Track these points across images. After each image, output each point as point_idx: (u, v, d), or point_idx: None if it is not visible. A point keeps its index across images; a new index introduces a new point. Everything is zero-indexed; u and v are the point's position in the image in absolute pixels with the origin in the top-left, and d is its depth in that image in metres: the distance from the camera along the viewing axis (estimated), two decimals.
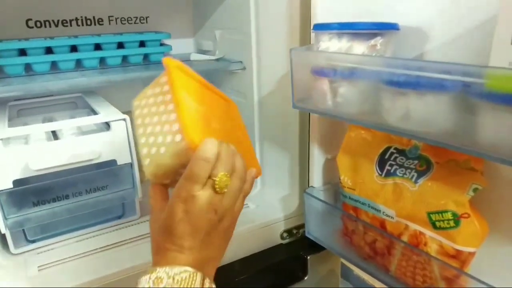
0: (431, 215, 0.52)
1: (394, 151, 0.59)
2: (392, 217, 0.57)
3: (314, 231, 0.73)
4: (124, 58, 0.86)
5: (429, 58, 0.54)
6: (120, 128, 0.71)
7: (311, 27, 0.61)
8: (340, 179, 0.65)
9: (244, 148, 0.50)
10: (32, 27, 0.88)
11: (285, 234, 0.81)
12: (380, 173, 0.59)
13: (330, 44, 0.55)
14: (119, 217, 0.77)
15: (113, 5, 0.96)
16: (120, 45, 0.84)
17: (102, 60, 0.83)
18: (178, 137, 0.41)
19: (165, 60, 0.44)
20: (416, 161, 0.55)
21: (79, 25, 0.93)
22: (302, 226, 0.80)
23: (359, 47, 0.53)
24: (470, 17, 0.49)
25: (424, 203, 0.52)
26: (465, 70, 0.41)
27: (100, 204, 0.72)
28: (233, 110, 0.56)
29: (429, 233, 0.52)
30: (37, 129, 0.69)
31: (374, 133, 0.61)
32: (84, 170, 0.69)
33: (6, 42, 0.75)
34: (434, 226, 0.52)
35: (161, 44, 0.90)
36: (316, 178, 0.73)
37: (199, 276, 0.39)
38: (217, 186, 0.40)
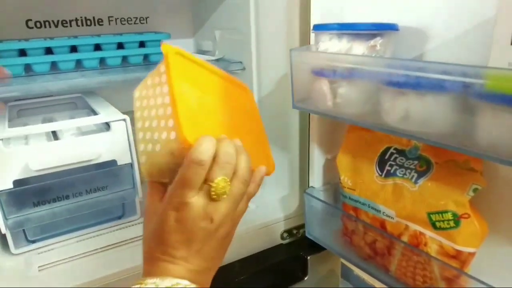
0: (431, 215, 0.52)
1: (394, 151, 0.59)
2: (392, 218, 0.57)
3: (314, 231, 0.73)
4: (124, 58, 0.86)
5: (428, 58, 0.54)
6: (120, 129, 0.71)
7: (311, 28, 0.61)
8: (340, 180, 0.65)
9: (257, 141, 0.46)
10: (32, 28, 0.88)
11: (285, 234, 0.81)
12: (380, 173, 0.59)
13: (330, 45, 0.55)
14: (119, 218, 0.77)
15: (113, 6, 0.96)
16: (120, 46, 0.84)
17: (102, 60, 0.83)
18: (173, 135, 0.37)
19: (164, 46, 0.39)
20: (416, 162, 0.55)
21: (79, 26, 0.93)
22: (302, 226, 0.80)
23: (359, 48, 0.53)
24: (470, 18, 0.49)
25: (424, 203, 0.52)
26: (464, 71, 0.41)
27: (100, 205, 0.72)
28: (248, 99, 0.50)
29: (429, 233, 0.52)
30: (37, 130, 0.69)
31: (374, 133, 0.61)
32: (84, 171, 0.69)
33: (6, 42, 0.75)
34: (434, 226, 0.52)
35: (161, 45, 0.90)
36: (316, 178, 0.73)
37: None
38: (213, 193, 0.36)
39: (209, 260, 0.39)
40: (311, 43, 0.64)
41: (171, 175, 0.40)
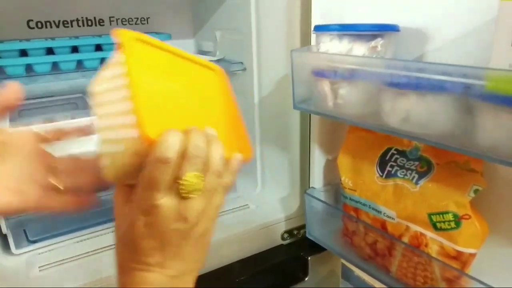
0: (432, 216, 0.52)
1: (395, 152, 0.59)
2: (393, 218, 0.57)
3: (314, 232, 0.73)
4: None
5: (429, 59, 0.54)
6: None
7: (312, 29, 0.61)
8: (340, 180, 0.65)
9: (232, 126, 0.42)
10: (33, 28, 0.88)
11: (285, 235, 0.81)
12: (380, 174, 0.59)
13: (331, 46, 0.56)
14: None
15: (114, 6, 0.96)
16: None
17: (103, 60, 0.83)
18: (136, 132, 0.33)
19: (119, 32, 0.34)
20: (416, 162, 0.55)
21: (80, 26, 0.93)
22: (302, 226, 0.80)
23: (360, 49, 0.53)
24: (471, 19, 0.49)
25: (425, 204, 0.52)
26: (465, 72, 0.41)
27: (102, 204, 0.72)
28: (219, 81, 0.45)
29: (430, 234, 0.52)
30: (38, 130, 0.69)
31: (375, 134, 0.61)
32: None
33: (7, 42, 0.75)
34: (435, 227, 0.52)
35: None
36: (317, 179, 0.73)
37: None
38: (184, 191, 0.33)
39: (189, 262, 0.36)
40: (312, 44, 0.64)
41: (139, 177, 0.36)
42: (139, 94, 0.33)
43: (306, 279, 0.79)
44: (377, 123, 0.52)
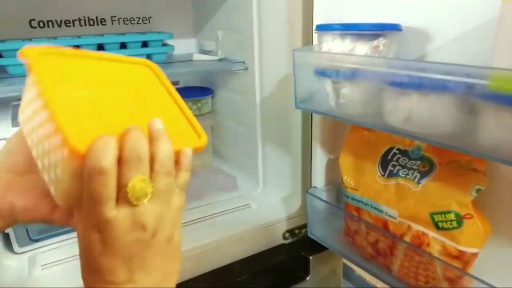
0: (434, 215, 0.52)
1: (397, 151, 0.59)
2: (394, 218, 0.57)
3: (316, 231, 0.73)
4: None
5: (432, 58, 0.54)
6: None
7: (314, 28, 0.61)
8: (342, 180, 0.65)
9: (174, 117, 0.39)
10: (35, 27, 0.89)
11: (287, 234, 0.81)
12: (382, 173, 0.59)
13: (333, 45, 0.56)
14: None
15: (116, 6, 0.96)
16: (123, 45, 0.84)
17: None
18: (65, 151, 0.29)
19: (22, 51, 0.32)
20: (418, 162, 0.55)
21: (81, 25, 0.93)
22: (304, 226, 0.81)
23: (362, 48, 0.53)
24: (473, 18, 0.49)
25: (427, 203, 0.52)
26: (468, 71, 0.41)
27: None
28: (153, 74, 0.42)
29: (431, 233, 0.52)
30: None
31: (377, 133, 0.61)
32: None
33: (9, 42, 0.75)
34: (437, 226, 0.52)
35: (164, 44, 0.90)
36: (319, 178, 0.73)
37: None
38: (131, 198, 0.30)
39: (160, 272, 0.33)
40: (313, 44, 0.64)
41: None
42: (57, 111, 0.30)
43: (308, 278, 0.79)
44: (379, 123, 0.52)
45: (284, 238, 0.81)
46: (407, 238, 0.56)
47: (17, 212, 0.37)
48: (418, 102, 0.46)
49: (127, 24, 0.99)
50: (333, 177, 0.74)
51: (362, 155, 0.63)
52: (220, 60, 0.94)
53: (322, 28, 0.57)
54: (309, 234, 0.74)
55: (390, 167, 0.58)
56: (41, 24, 0.89)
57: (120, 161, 0.30)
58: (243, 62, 0.88)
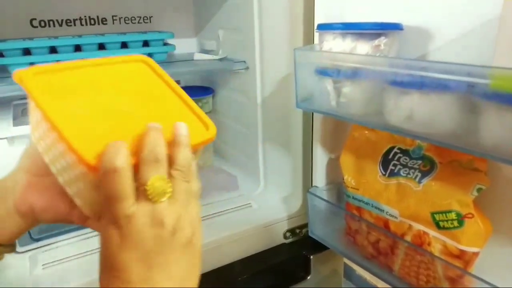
0: (435, 215, 0.52)
1: (398, 151, 0.59)
2: (395, 217, 0.57)
3: (317, 231, 0.73)
4: None
5: (433, 58, 0.54)
6: None
7: (315, 27, 0.61)
8: (343, 179, 0.65)
9: (178, 111, 0.38)
10: (36, 27, 0.89)
11: (288, 234, 0.81)
12: (383, 173, 0.59)
13: (334, 44, 0.56)
14: None
15: (117, 5, 0.97)
16: (124, 45, 0.84)
17: None
18: (82, 168, 0.31)
19: (15, 75, 0.32)
20: (419, 161, 0.55)
21: (83, 25, 0.94)
22: (305, 225, 0.81)
23: (363, 47, 0.53)
24: (474, 17, 0.49)
25: (427, 203, 0.52)
26: (469, 70, 0.41)
27: None
28: (150, 69, 0.41)
29: (432, 233, 0.52)
30: None
31: (378, 133, 0.61)
32: None
33: (11, 41, 0.75)
34: (437, 226, 0.52)
35: (165, 44, 0.90)
36: (320, 178, 0.73)
37: None
38: (150, 196, 0.30)
39: (178, 275, 0.32)
40: (315, 43, 0.64)
41: None
42: (64, 131, 0.30)
43: (308, 278, 0.79)
44: (380, 122, 0.52)
45: (285, 237, 0.81)
46: (408, 238, 0.56)
47: (37, 212, 0.38)
48: (419, 101, 0.46)
49: (128, 23, 0.99)
50: (334, 176, 0.74)
51: (363, 154, 0.63)
52: (221, 59, 0.94)
53: (323, 27, 0.57)
54: (310, 234, 0.74)
55: (391, 167, 0.58)
56: (42, 24, 0.89)
57: (139, 161, 0.31)
58: (244, 61, 0.88)
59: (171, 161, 0.32)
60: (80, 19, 0.93)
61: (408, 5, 0.55)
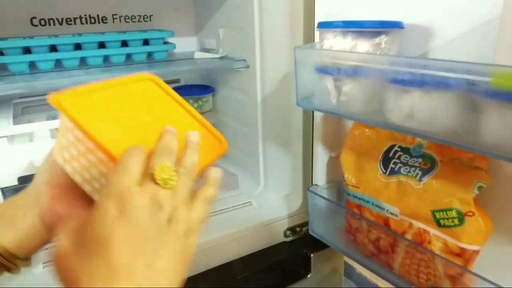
0: (435, 213, 0.52)
1: (398, 149, 0.59)
2: (396, 215, 0.57)
3: (317, 229, 0.73)
4: (128, 56, 0.86)
5: (434, 56, 0.54)
6: None
7: (315, 25, 0.61)
8: (343, 177, 0.65)
9: (192, 128, 0.40)
10: (37, 25, 0.89)
11: (288, 232, 0.81)
12: (384, 171, 0.59)
13: (335, 42, 0.55)
14: None
15: (117, 4, 0.96)
16: (124, 43, 0.84)
17: (106, 58, 0.84)
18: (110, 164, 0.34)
19: (52, 98, 0.34)
20: (420, 159, 0.55)
21: (83, 23, 0.93)
22: (305, 224, 0.81)
23: (364, 45, 0.53)
24: (475, 15, 0.49)
25: (428, 201, 0.52)
26: (470, 68, 0.41)
27: None
28: (154, 87, 0.44)
29: (433, 231, 0.52)
30: (42, 127, 0.69)
31: (378, 131, 0.61)
32: None
33: (11, 40, 0.75)
34: (438, 224, 0.52)
35: (165, 43, 0.90)
36: (320, 176, 0.73)
37: None
38: (157, 177, 0.32)
39: (159, 274, 0.30)
40: (315, 41, 0.64)
41: None
42: (103, 140, 0.33)
43: (309, 276, 0.79)
44: (380, 120, 0.52)
45: (285, 236, 0.81)
46: (409, 236, 0.56)
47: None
48: (420, 100, 0.46)
49: (128, 22, 0.99)
50: (334, 175, 0.74)
51: (364, 152, 0.63)
52: (221, 58, 0.94)
53: (323, 25, 0.57)
54: (310, 232, 0.74)
55: (391, 165, 0.58)
56: (42, 22, 0.89)
57: (152, 153, 0.33)
58: (244, 60, 0.88)
59: (179, 161, 0.34)
60: (80, 18, 0.93)
61: (409, 5, 0.55)
